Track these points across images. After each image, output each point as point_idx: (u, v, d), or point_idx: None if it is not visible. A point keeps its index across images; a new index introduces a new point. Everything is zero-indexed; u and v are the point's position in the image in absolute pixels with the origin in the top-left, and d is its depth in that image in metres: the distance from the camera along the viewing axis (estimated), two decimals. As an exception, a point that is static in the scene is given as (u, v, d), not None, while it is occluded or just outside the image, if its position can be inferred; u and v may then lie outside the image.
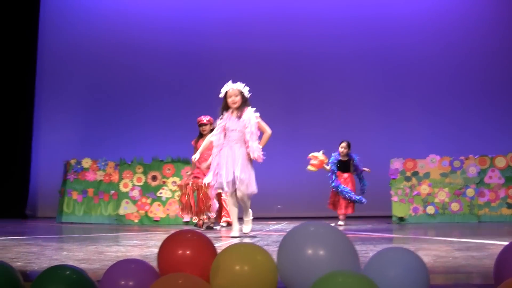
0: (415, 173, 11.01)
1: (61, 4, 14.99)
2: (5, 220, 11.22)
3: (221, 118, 6.89)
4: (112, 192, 11.08)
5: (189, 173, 9.87)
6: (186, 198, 8.50)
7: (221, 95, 6.89)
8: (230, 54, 14.10)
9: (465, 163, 10.89)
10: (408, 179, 11.01)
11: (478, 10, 14.51)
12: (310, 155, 10.01)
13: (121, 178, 11.10)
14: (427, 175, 10.97)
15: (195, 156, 7.44)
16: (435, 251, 4.45)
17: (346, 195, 10.10)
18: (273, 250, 4.53)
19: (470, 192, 10.73)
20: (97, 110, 14.61)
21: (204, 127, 9.39)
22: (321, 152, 10.03)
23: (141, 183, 11.00)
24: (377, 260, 2.27)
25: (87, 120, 14.65)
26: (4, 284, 2.38)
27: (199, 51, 14.38)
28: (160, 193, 10.96)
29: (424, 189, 10.89)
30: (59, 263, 3.54)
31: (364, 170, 10.54)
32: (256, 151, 6.73)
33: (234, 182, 6.59)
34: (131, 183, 11.04)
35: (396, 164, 11.14)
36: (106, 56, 14.59)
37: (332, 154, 10.44)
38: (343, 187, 10.17)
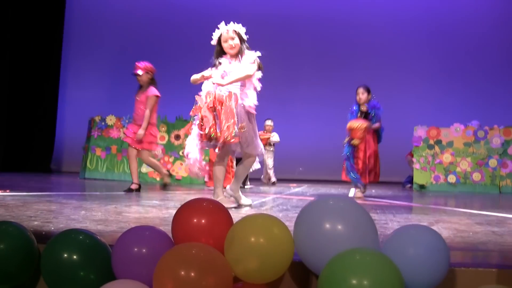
0: (438, 142, 10.89)
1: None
2: (31, 174, 11.30)
3: (216, 66, 5.51)
4: (136, 150, 11.12)
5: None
6: None
7: (214, 41, 5.58)
8: (254, 16, 13.93)
9: (489, 133, 10.74)
10: (431, 147, 10.91)
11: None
12: (349, 126, 7.97)
13: (144, 136, 11.14)
14: (450, 144, 10.85)
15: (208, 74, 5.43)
16: (455, 224, 4.38)
17: (348, 171, 8.08)
18: (292, 215, 4.49)
19: (492, 162, 10.60)
20: (123, 68, 14.54)
21: (138, 78, 7.72)
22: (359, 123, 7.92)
23: (164, 142, 11.00)
24: (398, 237, 2.22)
25: (112, 78, 14.67)
26: (18, 247, 2.37)
27: (222, 13, 14.25)
28: (183, 152, 10.91)
29: (447, 158, 10.78)
30: (76, 224, 3.54)
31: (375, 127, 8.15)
32: (249, 99, 5.41)
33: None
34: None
35: (420, 131, 11.02)
36: (133, 15, 14.55)
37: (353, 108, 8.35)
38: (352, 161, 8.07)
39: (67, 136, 14.51)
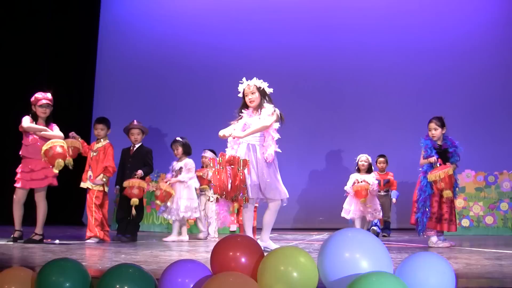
0: (451, 188, 11.10)
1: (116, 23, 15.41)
2: (64, 226, 11.52)
3: (238, 120, 5.95)
4: (164, 202, 11.36)
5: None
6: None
7: (240, 94, 6.02)
8: (274, 75, 14.18)
9: (499, 178, 11.04)
10: (443, 193, 11.12)
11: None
12: (434, 178, 6.86)
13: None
14: (462, 189, 11.09)
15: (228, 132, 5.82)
16: (466, 259, 4.63)
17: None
18: (314, 257, 4.76)
19: (504, 206, 10.86)
20: (150, 124, 14.88)
21: (45, 109, 7.24)
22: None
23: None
24: (408, 262, 2.57)
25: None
26: (77, 278, 2.72)
27: (243, 72, 14.53)
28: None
29: (460, 202, 10.99)
30: (119, 264, 3.87)
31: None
32: (268, 148, 5.73)
33: (259, 188, 5.62)
34: (181, 194, 11.32)
35: (432, 178, 11.24)
36: (158, 71, 14.79)
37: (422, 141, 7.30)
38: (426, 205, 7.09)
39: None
